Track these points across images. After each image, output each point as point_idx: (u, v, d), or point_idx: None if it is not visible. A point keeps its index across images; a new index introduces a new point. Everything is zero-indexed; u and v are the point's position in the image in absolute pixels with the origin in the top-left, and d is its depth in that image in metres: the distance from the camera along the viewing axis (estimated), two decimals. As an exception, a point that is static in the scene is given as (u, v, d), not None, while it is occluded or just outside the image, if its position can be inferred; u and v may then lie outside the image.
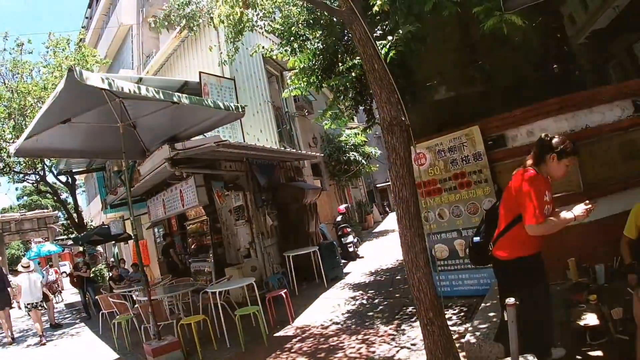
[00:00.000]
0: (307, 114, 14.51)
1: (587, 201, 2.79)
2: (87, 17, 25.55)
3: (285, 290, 7.02)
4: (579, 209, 2.75)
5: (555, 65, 9.22)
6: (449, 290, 5.99)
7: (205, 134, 7.64)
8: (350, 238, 11.70)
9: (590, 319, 3.52)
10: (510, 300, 2.49)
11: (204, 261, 10.89)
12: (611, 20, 11.71)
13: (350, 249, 11.51)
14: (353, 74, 6.58)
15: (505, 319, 2.58)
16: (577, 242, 4.91)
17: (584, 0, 11.98)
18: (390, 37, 5.57)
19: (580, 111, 5.33)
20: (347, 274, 10.27)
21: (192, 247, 11.82)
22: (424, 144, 6.00)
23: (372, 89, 3.81)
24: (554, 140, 2.93)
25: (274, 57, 8.25)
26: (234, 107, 6.31)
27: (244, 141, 10.12)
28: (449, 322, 4.93)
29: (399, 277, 8.29)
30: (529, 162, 2.98)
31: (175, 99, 5.32)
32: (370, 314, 6.42)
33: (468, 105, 5.89)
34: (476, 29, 9.10)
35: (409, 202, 3.52)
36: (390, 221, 22.13)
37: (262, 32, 9.00)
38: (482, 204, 5.54)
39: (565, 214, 2.77)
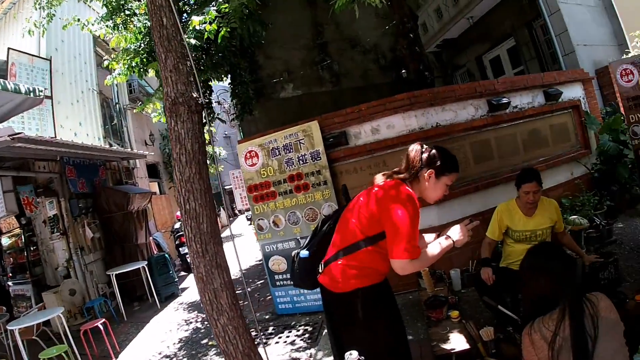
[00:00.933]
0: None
1: (466, 220, 2.23)
2: None
3: (104, 319, 5.63)
4: (457, 232, 2.17)
5: (404, 70, 9.26)
6: (290, 307, 5.25)
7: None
8: (187, 248, 10.13)
9: (457, 342, 2.87)
10: (353, 356, 1.76)
11: (23, 283, 8.54)
12: (463, 31, 12.37)
13: (189, 260, 10.04)
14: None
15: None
16: None
17: (438, 9, 12.47)
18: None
19: (431, 108, 4.99)
20: (184, 289, 8.98)
21: (10, 266, 9.23)
22: (255, 141, 5.08)
23: (157, 52, 2.63)
24: (432, 152, 2.24)
25: (97, 34, 6.54)
26: (31, 91, 4.63)
27: (55, 135, 8.14)
28: (292, 347, 4.39)
29: (239, 291, 7.18)
30: (402, 175, 2.23)
31: None
32: (205, 341, 5.37)
33: (315, 105, 5.15)
34: (329, 28, 8.83)
35: (199, 217, 2.48)
36: (239, 224, 21.31)
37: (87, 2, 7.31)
38: (322, 209, 4.82)
39: (442, 242, 2.15)
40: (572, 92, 6.59)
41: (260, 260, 8.62)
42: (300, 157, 4.84)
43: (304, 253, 2.39)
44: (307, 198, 4.85)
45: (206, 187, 2.62)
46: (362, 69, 8.93)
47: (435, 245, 2.13)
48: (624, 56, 7.92)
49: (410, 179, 2.20)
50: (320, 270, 2.28)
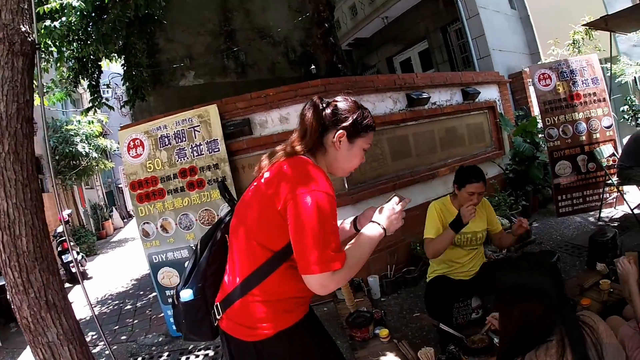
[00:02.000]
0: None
1: (396, 198, 1.55)
2: None
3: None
4: (385, 215, 1.50)
5: (313, 67, 8.90)
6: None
7: None
8: (70, 255, 8.77)
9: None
10: None
11: None
12: (376, 30, 12.25)
13: (74, 269, 8.69)
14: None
15: None
16: None
17: (353, 7, 12.23)
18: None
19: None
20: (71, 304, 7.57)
21: None
22: (141, 127, 4.21)
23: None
24: (339, 105, 1.53)
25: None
26: None
27: None
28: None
29: (129, 307, 6.21)
30: (298, 146, 1.48)
31: None
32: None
33: (217, 96, 4.41)
34: (238, 15, 8.20)
35: (15, 226, 1.74)
36: (133, 227, 18.08)
37: None
38: (220, 210, 4.05)
39: (369, 233, 1.46)
40: (489, 93, 6.56)
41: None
42: (195, 148, 4.04)
43: (186, 295, 1.55)
44: (202, 197, 4.07)
45: (28, 177, 1.79)
46: (270, 61, 8.55)
47: (361, 243, 1.45)
48: (539, 62, 8.15)
49: (313, 150, 1.51)
50: (217, 315, 1.52)
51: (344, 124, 1.51)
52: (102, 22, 5.27)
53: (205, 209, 4.06)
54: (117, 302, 6.78)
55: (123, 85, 6.80)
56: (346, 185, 4.40)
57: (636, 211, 4.95)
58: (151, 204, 4.14)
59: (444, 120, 5.70)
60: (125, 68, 6.44)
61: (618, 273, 2.19)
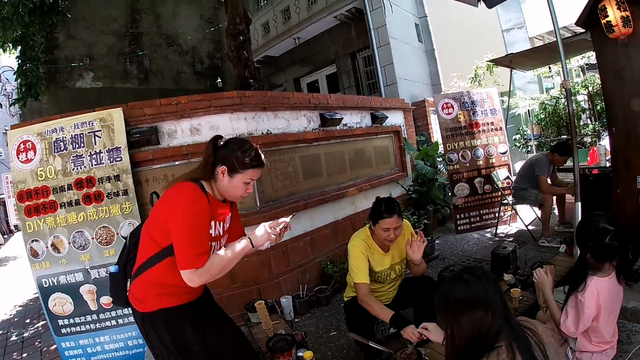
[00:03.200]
0: None
1: (277, 221, 2.01)
2: None
3: None
4: (259, 232, 1.98)
5: (219, 80, 8.75)
6: (83, 361, 3.78)
7: None
8: None
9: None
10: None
11: None
12: (286, 50, 12.35)
13: None
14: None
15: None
16: (253, 272, 4.15)
17: (266, 24, 12.22)
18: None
19: (263, 113, 4.44)
20: None
21: None
22: (34, 128, 3.71)
23: None
24: (228, 147, 1.99)
25: None
26: None
27: None
28: None
29: (15, 338, 5.34)
30: (194, 174, 1.98)
31: None
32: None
33: (116, 101, 4.05)
34: (147, 18, 7.82)
35: None
36: (15, 244, 15.52)
37: None
38: (120, 228, 3.66)
39: (237, 245, 1.93)
40: (395, 118, 6.90)
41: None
42: (94, 155, 3.63)
43: (113, 268, 2.16)
44: (99, 212, 3.64)
45: None
46: (175, 70, 8.28)
47: (227, 251, 1.90)
48: (443, 93, 8.84)
49: (207, 178, 1.98)
50: (127, 288, 2.06)
51: (226, 161, 1.95)
52: (3, 4, 4.69)
53: (103, 226, 3.64)
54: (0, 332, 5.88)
55: (15, 80, 6.05)
56: (258, 202, 4.28)
57: (530, 227, 5.55)
58: (41, 218, 3.62)
59: (354, 141, 5.88)
60: (19, 61, 5.77)
61: (535, 282, 2.44)
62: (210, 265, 1.82)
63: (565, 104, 7.65)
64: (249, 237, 1.96)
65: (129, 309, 2.06)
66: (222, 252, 1.89)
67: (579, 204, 3.66)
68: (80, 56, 6.83)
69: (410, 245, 2.78)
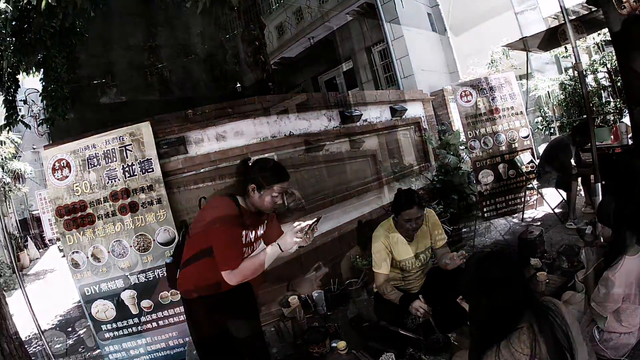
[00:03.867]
0: None
1: (303, 225, 2.22)
2: None
3: None
4: (286, 236, 2.23)
5: (238, 85, 8.84)
6: (128, 364, 3.97)
7: None
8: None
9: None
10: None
11: None
12: (302, 50, 12.44)
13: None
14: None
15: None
16: (285, 269, 4.08)
17: (280, 26, 12.35)
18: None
19: (284, 116, 4.56)
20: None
21: None
22: (67, 147, 3.89)
23: None
24: (255, 167, 2.37)
25: None
26: None
27: None
28: None
29: (59, 346, 5.59)
30: (233, 189, 2.42)
31: None
32: None
33: (140, 114, 4.19)
34: (163, 31, 7.99)
35: None
36: (52, 257, 15.54)
37: None
38: (156, 235, 3.83)
39: (267, 250, 2.24)
40: (414, 110, 6.90)
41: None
42: (127, 169, 3.82)
43: (168, 258, 2.63)
44: (136, 222, 3.82)
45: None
46: (194, 79, 8.34)
47: (258, 256, 2.24)
48: (460, 81, 8.78)
49: (241, 192, 2.34)
50: (176, 276, 2.47)
51: (254, 180, 2.30)
52: (24, 30, 4.90)
53: (140, 234, 3.82)
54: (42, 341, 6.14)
55: (42, 101, 6.28)
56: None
57: (557, 210, 5.47)
58: (80, 230, 3.82)
59: (375, 136, 5.91)
60: (43, 83, 6.01)
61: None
62: (243, 267, 2.20)
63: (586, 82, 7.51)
64: (277, 243, 2.23)
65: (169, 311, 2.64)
66: (254, 256, 2.27)
67: (599, 184, 3.62)
68: (102, 72, 7.03)
69: (451, 257, 2.83)
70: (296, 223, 2.24)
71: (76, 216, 3.85)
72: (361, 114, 5.43)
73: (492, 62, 8.92)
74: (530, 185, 5.76)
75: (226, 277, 2.20)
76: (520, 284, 1.55)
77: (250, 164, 2.38)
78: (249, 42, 6.37)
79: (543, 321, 1.52)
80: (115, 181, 3.84)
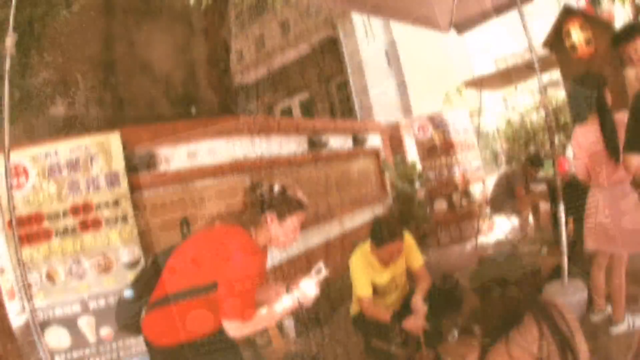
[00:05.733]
0: None
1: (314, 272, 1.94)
2: None
3: None
4: (305, 289, 1.88)
5: (193, 108, 8.73)
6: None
7: None
8: None
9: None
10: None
11: None
12: (259, 77, 12.49)
13: None
14: None
15: None
16: None
17: (240, 52, 12.31)
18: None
19: (257, 137, 4.56)
20: None
21: None
22: (26, 152, 3.56)
23: None
24: (274, 191, 1.90)
25: None
26: None
27: None
28: None
29: None
30: (241, 219, 1.93)
31: None
32: None
33: (90, 130, 3.99)
34: (121, 45, 7.78)
35: None
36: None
37: None
38: (119, 256, 3.57)
39: (285, 303, 1.86)
40: (374, 140, 7.11)
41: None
42: (91, 181, 3.57)
43: (127, 292, 1.96)
44: (97, 240, 3.55)
45: None
46: (150, 98, 8.12)
47: (275, 308, 1.83)
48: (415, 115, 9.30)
49: (248, 226, 1.89)
50: (142, 314, 1.86)
51: (275, 206, 1.86)
52: None
53: (103, 254, 3.55)
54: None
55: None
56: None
57: (508, 236, 5.88)
58: (34, 247, 3.50)
59: (339, 163, 6.05)
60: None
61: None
62: (259, 320, 1.78)
63: (530, 119, 8.28)
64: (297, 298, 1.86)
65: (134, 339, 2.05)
66: (271, 308, 1.83)
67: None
68: (54, 82, 6.70)
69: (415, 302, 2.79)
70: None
71: (30, 231, 3.52)
72: (327, 141, 5.56)
73: (447, 99, 9.52)
74: (483, 214, 6.12)
75: (230, 327, 1.73)
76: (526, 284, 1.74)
77: (264, 189, 1.92)
78: (214, 63, 6.36)
79: (547, 317, 1.62)
80: (77, 193, 3.57)
